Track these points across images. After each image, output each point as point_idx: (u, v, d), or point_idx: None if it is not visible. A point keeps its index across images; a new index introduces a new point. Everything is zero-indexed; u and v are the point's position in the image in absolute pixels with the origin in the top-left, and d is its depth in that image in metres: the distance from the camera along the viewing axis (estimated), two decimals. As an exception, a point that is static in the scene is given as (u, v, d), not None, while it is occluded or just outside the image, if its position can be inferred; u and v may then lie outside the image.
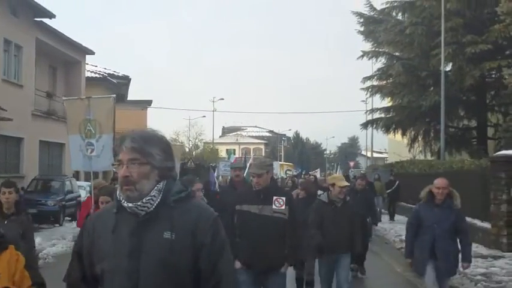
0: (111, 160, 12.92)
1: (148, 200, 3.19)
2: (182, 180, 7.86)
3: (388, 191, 29.79)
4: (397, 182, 30.45)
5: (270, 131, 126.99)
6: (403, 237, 20.07)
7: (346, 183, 9.78)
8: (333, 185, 9.53)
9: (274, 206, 7.46)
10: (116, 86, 44.36)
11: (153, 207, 3.21)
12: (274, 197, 7.51)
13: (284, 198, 7.57)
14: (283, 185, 23.23)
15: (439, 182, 9.16)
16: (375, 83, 41.88)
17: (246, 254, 7.45)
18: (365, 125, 43.36)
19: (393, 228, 24.92)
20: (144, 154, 3.20)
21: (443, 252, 8.98)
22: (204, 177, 28.16)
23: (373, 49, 41.73)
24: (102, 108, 14.31)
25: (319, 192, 15.91)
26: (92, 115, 14.06)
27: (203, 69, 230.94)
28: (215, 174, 27.28)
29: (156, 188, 3.24)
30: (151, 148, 3.24)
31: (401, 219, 26.45)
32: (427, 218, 9.11)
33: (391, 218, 29.42)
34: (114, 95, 14.99)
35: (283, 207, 7.49)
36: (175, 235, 3.15)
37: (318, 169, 69.22)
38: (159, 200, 3.23)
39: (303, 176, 31.61)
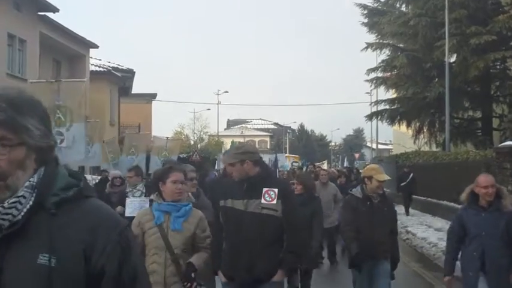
0: (84, 152, 12.75)
1: (13, 203, 2.02)
2: (155, 171, 7.43)
3: (403, 184, 27.87)
4: (412, 174, 28.06)
5: (275, 124, 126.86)
6: (418, 234, 20.11)
7: (387, 177, 8.20)
8: (370, 178, 8.04)
9: (263, 200, 5.98)
10: (120, 79, 44.39)
11: (21, 214, 2.04)
12: (265, 189, 6.03)
13: (276, 190, 6.01)
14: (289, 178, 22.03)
15: (484, 179, 7.41)
16: (379, 74, 41.81)
17: (228, 262, 6.20)
18: (370, 117, 43.30)
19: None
20: (17, 129, 2.03)
21: (494, 266, 7.27)
22: (209, 170, 28.16)
23: (377, 41, 41.64)
24: (73, 93, 13.14)
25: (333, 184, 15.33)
26: (62, 101, 12.82)
27: (208, 62, 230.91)
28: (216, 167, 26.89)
29: (28, 183, 2.07)
30: (26, 119, 2.06)
31: (416, 214, 26.13)
32: (473, 225, 7.39)
33: (406, 213, 26.88)
34: (86, 79, 13.57)
35: (274, 201, 5.97)
36: (57, 260, 2.01)
37: (325, 161, 69.19)
38: (31, 202, 2.06)
39: (307, 168, 31.06)
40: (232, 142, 34.97)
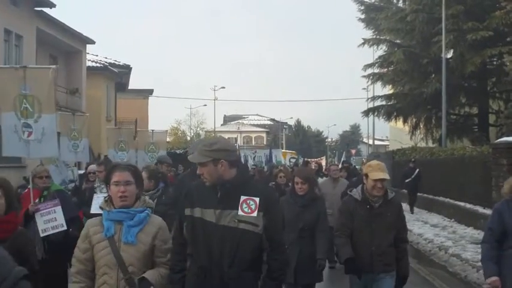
0: (55, 147, 11.92)
1: None
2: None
3: (407, 180, 26.57)
4: (418, 170, 26.61)
5: (272, 119, 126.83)
6: (414, 230, 20.11)
7: (384, 176, 6.77)
8: (366, 176, 6.87)
9: (240, 212, 4.75)
10: (117, 75, 44.33)
11: None
12: (243, 198, 4.78)
13: (257, 200, 4.77)
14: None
15: None
16: (376, 70, 41.83)
17: None
18: (366, 113, 43.31)
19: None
20: None
21: None
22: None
23: (374, 36, 41.70)
24: (41, 81, 11.87)
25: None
26: (29, 89, 11.67)
27: (204, 57, 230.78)
28: None
29: None
30: None
31: (437, 220, 23.40)
32: None
33: (411, 211, 25.75)
34: (55, 66, 12.50)
35: (254, 213, 4.74)
36: None
37: (323, 157, 69.18)
38: None
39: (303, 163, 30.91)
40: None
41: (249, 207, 4.78)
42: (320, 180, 16.59)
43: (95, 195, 10.06)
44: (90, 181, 12.17)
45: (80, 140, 18.60)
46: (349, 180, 15.02)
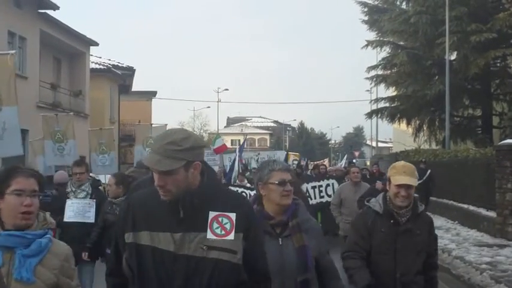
0: (19, 144, 10.93)
1: None
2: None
3: (418, 182, 24.34)
4: (429, 171, 24.90)
5: (275, 121, 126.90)
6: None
7: (410, 182, 5.27)
8: (389, 180, 5.43)
9: (210, 234, 3.38)
10: (120, 77, 44.40)
11: None
12: (213, 214, 3.42)
13: (233, 216, 3.44)
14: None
15: None
16: (380, 72, 41.85)
17: None
18: (370, 115, 43.33)
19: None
20: None
21: None
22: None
23: (377, 38, 41.70)
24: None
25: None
26: None
27: (208, 59, 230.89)
28: None
29: None
30: None
31: (440, 222, 22.30)
32: None
33: None
34: (14, 51, 10.57)
35: (230, 235, 3.40)
36: None
37: (326, 159, 69.16)
38: None
39: (306, 164, 30.63)
40: (217, 137, 24.69)
41: (222, 228, 3.41)
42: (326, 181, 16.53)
43: (69, 201, 9.04)
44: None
45: (65, 142, 17.95)
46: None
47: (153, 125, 20.44)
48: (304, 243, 4.25)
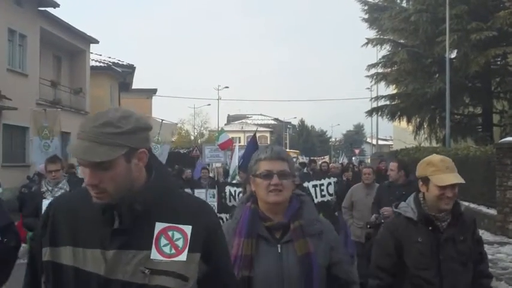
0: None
1: None
2: None
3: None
4: None
5: (275, 119, 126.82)
6: None
7: (458, 180, 4.33)
8: (426, 180, 4.46)
9: (155, 254, 2.56)
10: (120, 74, 44.41)
11: None
12: (161, 225, 2.59)
13: (188, 230, 2.61)
14: None
15: None
16: (380, 70, 41.78)
17: None
18: (370, 113, 43.23)
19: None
20: None
21: None
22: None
23: (377, 36, 41.61)
24: None
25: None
26: None
27: (208, 57, 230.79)
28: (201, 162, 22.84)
29: None
30: None
31: None
32: None
33: None
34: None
35: (182, 254, 2.58)
36: None
37: (327, 156, 69.22)
38: None
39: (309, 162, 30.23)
40: (221, 132, 21.68)
41: (172, 245, 2.58)
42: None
43: (44, 202, 7.87)
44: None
45: (50, 139, 17.62)
46: (356, 179, 13.55)
47: (163, 121, 19.64)
48: (308, 251, 3.34)
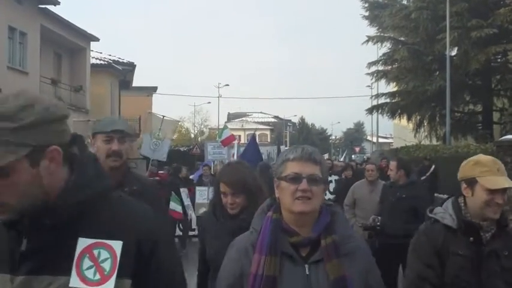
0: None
1: None
2: None
3: (422, 178, 22.14)
4: (433, 166, 23.53)
5: (276, 117, 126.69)
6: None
7: (509, 184, 3.75)
8: (471, 183, 3.89)
9: (74, 281, 1.97)
10: (121, 72, 44.34)
11: None
12: (85, 242, 2.02)
13: (117, 248, 2.03)
14: None
15: None
16: (380, 68, 41.79)
17: None
18: (370, 110, 43.28)
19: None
20: None
21: None
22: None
23: (378, 34, 41.60)
24: None
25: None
26: None
27: (208, 55, 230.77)
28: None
29: None
30: None
31: None
32: None
33: None
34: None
35: (110, 281, 1.99)
36: None
37: (326, 154, 69.30)
38: None
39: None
40: (224, 128, 20.18)
41: (97, 268, 2.02)
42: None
43: None
44: None
45: None
46: (352, 181, 12.78)
47: (165, 117, 19.39)
48: (343, 274, 2.77)
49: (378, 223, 9.14)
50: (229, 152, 20.27)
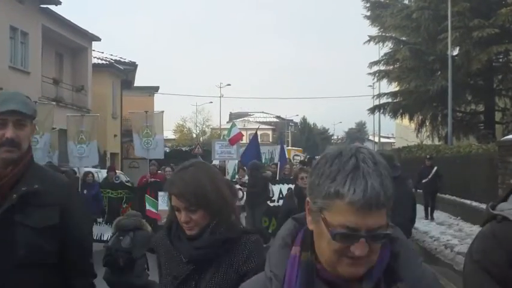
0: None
1: None
2: None
3: (424, 180, 22.72)
4: (436, 167, 22.91)
5: (277, 117, 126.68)
6: (420, 228, 19.94)
7: None
8: None
9: None
10: (122, 72, 44.38)
11: None
12: None
13: None
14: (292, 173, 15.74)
15: None
16: (382, 67, 41.76)
17: None
18: (372, 110, 43.23)
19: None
20: None
21: None
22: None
23: (379, 34, 41.55)
24: None
25: None
26: None
27: (210, 54, 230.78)
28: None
29: None
30: None
31: (442, 218, 22.42)
32: None
33: (430, 217, 22.48)
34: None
35: None
36: None
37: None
38: None
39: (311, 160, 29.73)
40: (233, 125, 19.59)
41: None
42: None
43: None
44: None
45: (40, 134, 16.81)
46: None
47: (148, 113, 18.72)
48: None
49: None
50: (238, 151, 19.59)
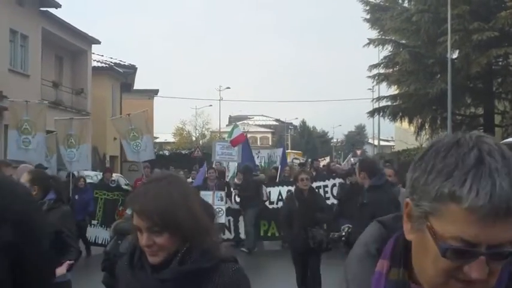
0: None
1: None
2: None
3: None
4: None
5: (277, 120, 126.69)
6: None
7: None
8: None
9: None
10: (122, 75, 44.40)
11: None
12: None
13: None
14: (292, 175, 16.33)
15: None
16: (382, 71, 41.66)
17: None
18: (372, 113, 43.17)
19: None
20: None
21: None
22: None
23: (379, 37, 41.50)
24: None
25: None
26: None
27: (210, 56, 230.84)
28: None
29: None
30: None
31: None
32: None
33: None
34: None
35: None
36: None
37: (328, 157, 69.21)
38: None
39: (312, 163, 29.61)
40: (235, 126, 19.17)
41: None
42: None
43: None
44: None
45: (32, 135, 16.17)
46: (355, 188, 12.09)
47: (130, 115, 18.25)
48: None
49: (343, 233, 8.86)
50: (239, 154, 18.95)
